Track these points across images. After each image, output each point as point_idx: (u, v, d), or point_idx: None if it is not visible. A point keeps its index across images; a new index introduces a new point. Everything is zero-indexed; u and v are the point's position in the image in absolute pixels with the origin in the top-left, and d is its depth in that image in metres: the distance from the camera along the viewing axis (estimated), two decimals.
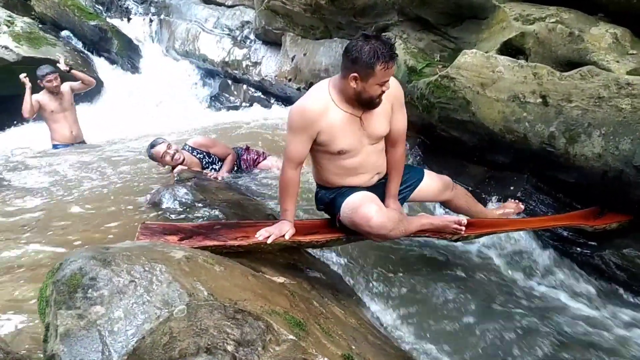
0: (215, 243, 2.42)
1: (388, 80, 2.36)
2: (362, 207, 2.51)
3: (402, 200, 2.85)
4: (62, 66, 6.44)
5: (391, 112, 2.59)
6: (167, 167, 4.32)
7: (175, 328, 1.39)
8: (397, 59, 2.35)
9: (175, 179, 4.06)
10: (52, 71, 6.13)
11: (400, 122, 2.66)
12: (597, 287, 3.09)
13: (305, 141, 2.50)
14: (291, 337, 1.48)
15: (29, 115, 6.13)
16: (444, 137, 4.17)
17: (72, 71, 6.53)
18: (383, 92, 2.39)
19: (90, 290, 1.43)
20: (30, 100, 6.03)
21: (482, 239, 3.31)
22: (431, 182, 2.93)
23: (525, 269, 3.22)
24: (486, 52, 3.68)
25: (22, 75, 6.05)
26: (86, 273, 1.47)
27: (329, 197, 2.73)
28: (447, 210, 3.34)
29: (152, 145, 4.21)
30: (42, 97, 6.12)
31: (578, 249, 3.21)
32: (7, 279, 2.52)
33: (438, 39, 4.61)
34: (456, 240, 2.86)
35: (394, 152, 2.73)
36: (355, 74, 2.33)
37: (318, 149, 2.59)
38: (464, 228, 2.73)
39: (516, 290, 3.07)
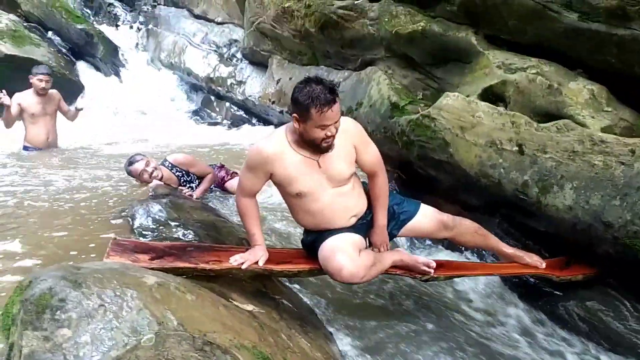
0: (187, 265, 2.40)
1: (331, 125, 2.39)
2: (333, 257, 2.53)
3: (391, 234, 2.87)
4: (79, 105, 6.35)
5: (355, 153, 2.63)
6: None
7: (142, 357, 1.38)
8: (335, 104, 2.36)
9: (150, 194, 4.02)
10: (47, 72, 6.06)
11: (370, 156, 2.70)
12: (559, 336, 3.14)
13: (258, 178, 2.59)
14: None
15: (8, 127, 6.01)
16: (420, 174, 4.24)
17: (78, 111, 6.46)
18: (329, 136, 2.42)
19: (58, 312, 1.41)
20: (10, 119, 5.93)
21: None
22: (424, 220, 2.90)
23: (491, 312, 3.26)
24: (468, 96, 3.77)
25: (2, 93, 5.92)
26: (56, 294, 1.45)
27: (309, 240, 2.78)
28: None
29: (130, 163, 4.17)
30: (26, 97, 6.01)
31: (544, 298, 3.28)
32: None
33: (422, 77, 4.70)
34: (425, 281, 2.90)
35: (372, 183, 2.77)
36: (296, 115, 2.42)
37: (281, 190, 2.68)
38: (432, 270, 2.77)
39: (479, 330, 3.10)
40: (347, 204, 2.70)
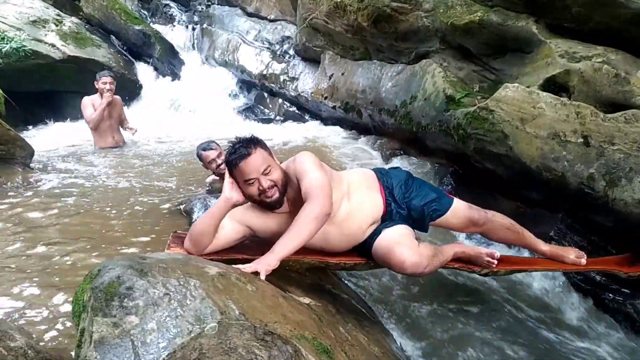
0: (244, 256, 2.43)
1: (253, 178, 2.34)
2: (393, 250, 2.46)
3: (422, 224, 2.78)
4: (131, 131, 6.61)
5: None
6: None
7: (205, 345, 1.40)
8: (249, 157, 2.32)
9: (207, 188, 4.10)
10: (111, 76, 6.35)
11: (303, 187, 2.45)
12: (628, 336, 3.00)
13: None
14: None
15: (93, 125, 6.31)
16: (477, 168, 4.14)
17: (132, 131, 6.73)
18: (262, 190, 2.35)
19: (126, 299, 1.45)
20: (101, 113, 6.23)
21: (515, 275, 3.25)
22: (452, 219, 2.78)
23: (555, 310, 3.14)
24: (528, 87, 3.65)
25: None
26: (123, 282, 1.49)
27: None
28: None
29: (204, 148, 4.23)
30: (95, 101, 6.30)
31: (610, 295, 3.13)
32: (41, 280, 2.57)
33: (479, 69, 4.59)
34: (485, 275, 2.82)
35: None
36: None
37: None
38: (496, 262, 2.69)
39: (543, 330, 3.01)
40: (351, 224, 2.59)
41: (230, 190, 2.42)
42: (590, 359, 2.82)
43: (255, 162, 2.36)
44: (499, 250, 2.89)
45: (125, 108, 7.06)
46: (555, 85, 3.67)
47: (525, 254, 3.37)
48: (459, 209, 2.78)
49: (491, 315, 3.01)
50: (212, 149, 4.22)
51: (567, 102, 3.37)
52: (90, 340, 1.38)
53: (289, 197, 2.52)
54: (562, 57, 3.70)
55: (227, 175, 2.45)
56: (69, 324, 2.11)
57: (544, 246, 2.95)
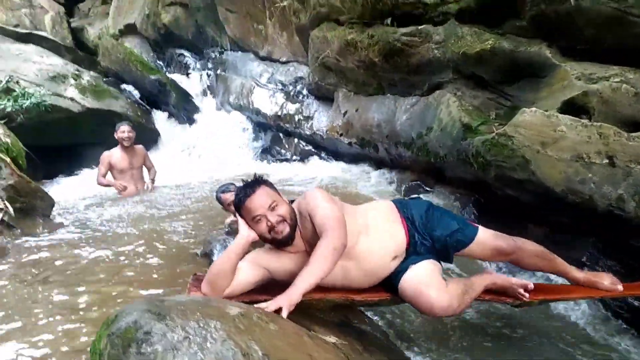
0: (265, 297, 2.36)
1: (260, 215, 2.35)
2: (421, 293, 2.37)
3: (447, 255, 2.67)
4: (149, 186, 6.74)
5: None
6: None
7: None
8: (254, 193, 2.36)
9: (226, 230, 4.06)
10: (130, 125, 6.56)
11: (316, 220, 2.41)
12: None
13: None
14: None
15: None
16: (499, 195, 4.04)
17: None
18: (270, 226, 2.35)
19: (144, 345, 1.39)
20: (105, 182, 6.42)
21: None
22: (477, 249, 2.64)
23: (595, 342, 2.99)
24: (546, 111, 3.59)
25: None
26: (140, 327, 1.44)
27: None
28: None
29: (223, 191, 4.22)
30: (114, 154, 6.43)
31: None
32: (59, 324, 2.53)
33: (494, 96, 4.55)
34: (517, 306, 2.69)
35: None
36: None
37: None
38: (528, 294, 2.57)
39: None
40: (371, 259, 2.51)
41: (246, 228, 2.39)
42: None
43: (260, 198, 2.37)
44: (527, 277, 2.78)
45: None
46: (574, 108, 3.61)
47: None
48: (485, 238, 2.64)
49: (528, 349, 2.86)
50: (230, 191, 4.19)
51: (588, 124, 3.30)
52: None
53: (303, 236, 2.47)
54: (578, 79, 3.64)
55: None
56: None
57: (577, 273, 2.81)
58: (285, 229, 2.38)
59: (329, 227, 2.30)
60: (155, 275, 3.21)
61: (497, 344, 2.88)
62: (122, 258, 3.61)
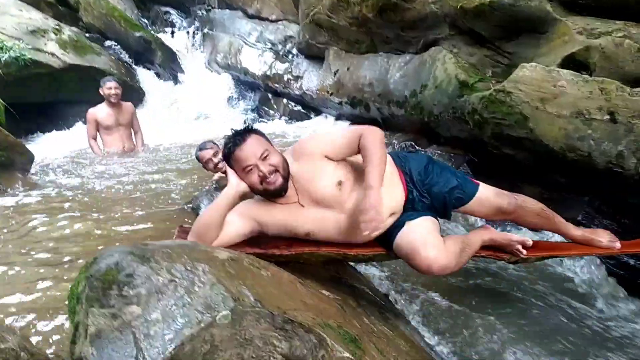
0: (255, 250, 2.26)
1: (251, 164, 2.21)
2: (418, 251, 2.24)
3: (445, 212, 2.57)
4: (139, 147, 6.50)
5: (327, 160, 2.33)
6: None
7: (217, 336, 1.23)
8: (244, 142, 2.22)
9: (214, 186, 3.95)
10: (116, 80, 6.26)
11: (338, 144, 2.34)
12: None
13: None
14: (347, 354, 1.30)
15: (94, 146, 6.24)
16: (494, 155, 3.95)
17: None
18: (262, 176, 2.21)
19: (126, 287, 1.29)
20: (93, 145, 6.18)
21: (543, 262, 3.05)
22: (478, 207, 2.53)
23: (588, 297, 2.95)
24: (546, 66, 3.47)
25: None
26: (122, 269, 1.32)
27: None
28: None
29: (201, 148, 4.11)
30: (100, 111, 6.17)
31: None
32: (40, 282, 2.41)
33: (491, 54, 4.42)
34: (515, 262, 2.61)
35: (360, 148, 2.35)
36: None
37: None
38: (525, 251, 2.49)
39: (578, 322, 2.80)
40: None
41: (236, 179, 2.28)
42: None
43: (250, 147, 2.23)
44: (523, 234, 2.71)
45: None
46: (574, 64, 3.50)
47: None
48: (486, 196, 2.52)
49: (520, 304, 2.82)
50: (207, 148, 4.08)
51: (589, 79, 3.20)
52: (86, 334, 1.21)
53: (295, 185, 2.35)
54: (580, 34, 3.53)
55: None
56: (68, 322, 1.95)
57: (575, 230, 2.72)
58: (278, 179, 2.25)
59: (359, 128, 2.30)
60: (140, 229, 3.09)
61: (489, 301, 2.83)
62: (105, 214, 3.48)
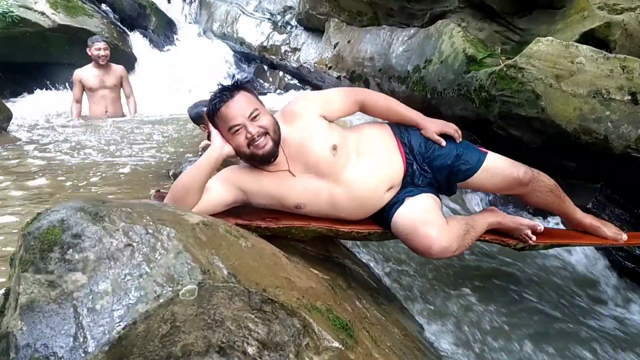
0: (239, 221, 2.02)
1: (239, 124, 1.98)
2: (417, 232, 2.04)
3: (449, 187, 2.34)
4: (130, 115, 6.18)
5: (321, 120, 2.14)
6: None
7: (179, 315, 1.00)
8: (231, 99, 1.99)
9: (200, 153, 3.70)
10: (105, 41, 5.98)
11: (336, 102, 2.20)
12: None
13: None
14: (336, 344, 1.08)
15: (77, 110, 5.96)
16: (500, 136, 3.72)
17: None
18: (250, 137, 1.98)
19: (70, 250, 1.05)
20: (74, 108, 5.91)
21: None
22: (488, 177, 2.26)
23: (593, 289, 2.75)
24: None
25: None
26: (68, 228, 1.08)
27: None
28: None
29: (197, 106, 3.82)
30: (85, 71, 5.89)
31: None
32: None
33: (501, 29, 4.17)
34: (520, 249, 2.39)
35: (367, 109, 2.29)
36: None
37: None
38: (535, 237, 2.27)
39: (580, 312, 2.62)
40: (363, 186, 2.15)
41: (221, 140, 2.03)
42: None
43: (238, 105, 1.99)
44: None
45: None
46: (593, 41, 3.26)
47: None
48: (496, 165, 2.27)
49: (521, 292, 2.63)
50: (203, 106, 3.79)
51: (610, 56, 2.95)
52: (16, 304, 0.98)
53: (285, 151, 2.11)
54: (601, 9, 3.29)
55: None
56: None
57: (584, 217, 2.49)
58: (267, 142, 2.02)
59: (355, 88, 2.45)
60: (119, 193, 2.84)
61: (490, 288, 2.64)
62: (81, 176, 3.23)
